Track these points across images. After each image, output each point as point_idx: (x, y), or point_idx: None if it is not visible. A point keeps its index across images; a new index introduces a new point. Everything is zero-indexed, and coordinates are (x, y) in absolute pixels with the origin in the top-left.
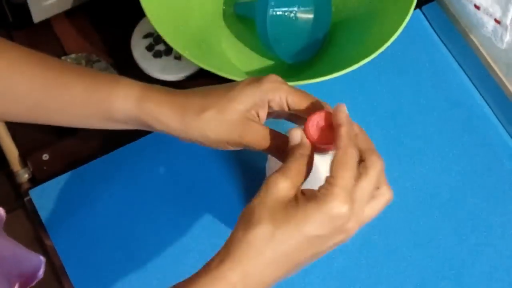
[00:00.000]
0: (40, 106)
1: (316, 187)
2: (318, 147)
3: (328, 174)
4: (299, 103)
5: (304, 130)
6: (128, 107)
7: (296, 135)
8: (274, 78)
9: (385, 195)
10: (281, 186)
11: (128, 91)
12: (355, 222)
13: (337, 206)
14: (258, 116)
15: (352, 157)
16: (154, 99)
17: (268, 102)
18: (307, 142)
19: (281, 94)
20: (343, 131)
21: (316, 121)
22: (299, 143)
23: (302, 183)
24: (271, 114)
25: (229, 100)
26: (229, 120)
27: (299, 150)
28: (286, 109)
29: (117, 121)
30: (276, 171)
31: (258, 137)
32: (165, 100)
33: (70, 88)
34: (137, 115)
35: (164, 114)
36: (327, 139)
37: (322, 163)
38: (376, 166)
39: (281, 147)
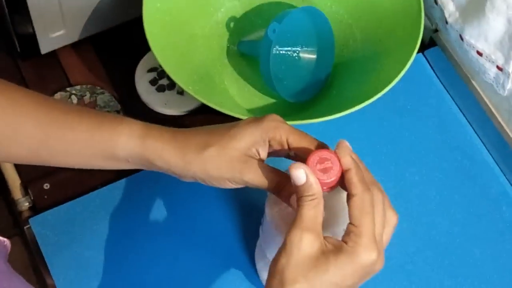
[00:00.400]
0: (43, 147)
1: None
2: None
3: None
4: (299, 142)
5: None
6: (131, 145)
7: (301, 174)
8: (274, 117)
9: (393, 219)
10: (305, 243)
11: (131, 129)
12: (381, 260)
13: (369, 255)
14: (259, 154)
15: (369, 201)
16: (157, 137)
17: (269, 141)
18: (313, 181)
19: (281, 133)
20: (354, 177)
21: (317, 160)
22: (305, 183)
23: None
24: (272, 153)
25: (230, 138)
26: (230, 158)
27: (308, 193)
28: (286, 147)
29: (120, 159)
30: (295, 226)
31: (258, 174)
32: (168, 138)
33: (73, 128)
34: (140, 153)
35: (167, 151)
36: (329, 178)
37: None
38: (380, 200)
39: (281, 185)
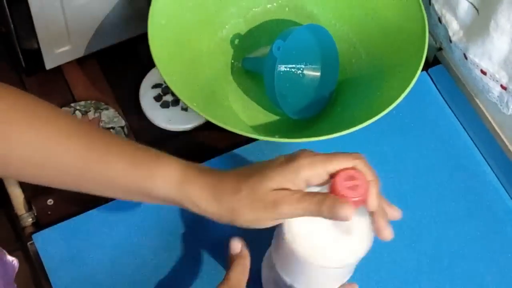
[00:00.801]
0: (82, 178)
1: None
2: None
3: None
4: (340, 165)
5: (333, 185)
6: (168, 189)
7: (237, 247)
8: (306, 153)
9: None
10: None
11: (169, 172)
12: None
13: None
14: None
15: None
16: (194, 182)
17: (307, 180)
18: (245, 252)
19: (318, 166)
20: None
21: (344, 177)
22: (238, 253)
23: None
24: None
25: (261, 179)
26: (261, 199)
27: (239, 260)
28: (327, 177)
29: (157, 199)
30: (221, 283)
31: (292, 206)
32: (205, 183)
33: (112, 165)
34: (176, 197)
35: (203, 199)
36: (355, 196)
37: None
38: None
39: (315, 208)
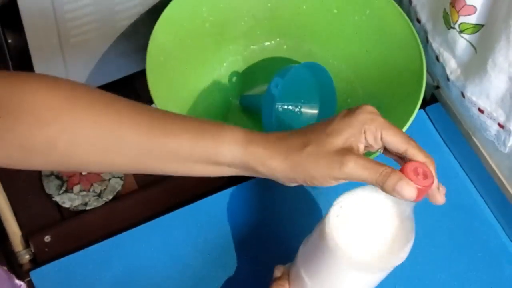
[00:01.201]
0: (146, 155)
1: None
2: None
3: None
4: (392, 137)
5: (403, 171)
6: (235, 151)
7: (279, 271)
8: (369, 109)
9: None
10: None
11: (235, 136)
12: None
13: None
14: (356, 146)
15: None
16: (259, 142)
17: (364, 132)
18: (286, 277)
19: (376, 125)
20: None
21: (414, 167)
22: (280, 276)
23: None
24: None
25: (327, 134)
26: (328, 153)
27: (279, 282)
28: (379, 141)
29: (222, 165)
30: None
31: (359, 165)
32: (269, 142)
33: (176, 136)
34: (243, 159)
35: (269, 157)
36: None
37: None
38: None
39: (379, 179)
